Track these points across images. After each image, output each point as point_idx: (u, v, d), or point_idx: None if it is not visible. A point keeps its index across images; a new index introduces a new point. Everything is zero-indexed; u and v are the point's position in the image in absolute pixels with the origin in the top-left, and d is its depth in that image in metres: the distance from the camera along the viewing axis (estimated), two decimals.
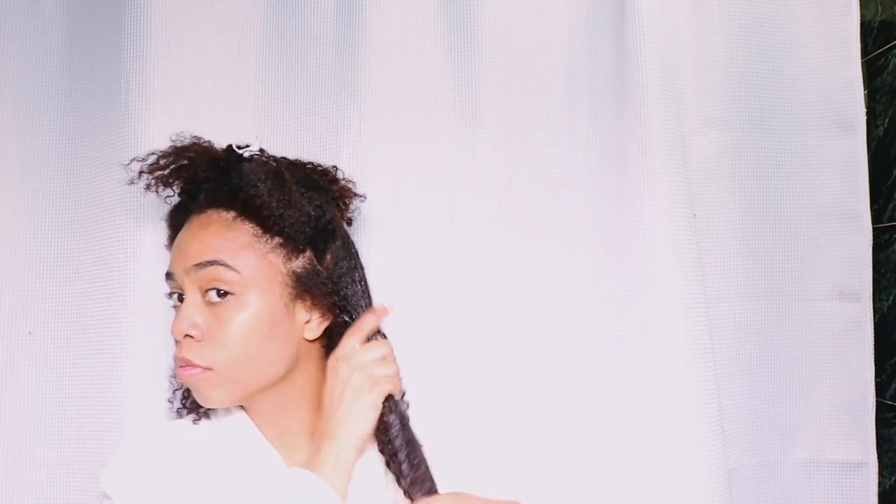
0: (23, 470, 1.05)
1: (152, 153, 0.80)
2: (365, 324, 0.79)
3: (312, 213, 0.79)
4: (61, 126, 1.09)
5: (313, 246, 0.79)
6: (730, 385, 1.04)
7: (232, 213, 0.77)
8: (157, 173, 0.79)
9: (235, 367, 0.74)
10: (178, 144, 0.80)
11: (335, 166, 0.88)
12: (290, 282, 0.77)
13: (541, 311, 1.04)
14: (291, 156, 0.87)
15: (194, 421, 0.82)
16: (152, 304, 1.00)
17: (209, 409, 0.82)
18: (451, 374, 1.00)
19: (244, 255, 0.75)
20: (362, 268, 0.84)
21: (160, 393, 0.99)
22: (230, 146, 0.81)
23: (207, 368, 0.74)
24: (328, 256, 0.79)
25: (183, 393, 0.86)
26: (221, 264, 0.74)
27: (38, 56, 1.10)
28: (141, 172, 0.79)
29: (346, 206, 0.89)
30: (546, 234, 1.05)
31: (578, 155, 1.06)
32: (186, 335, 0.74)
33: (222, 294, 0.74)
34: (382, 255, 0.99)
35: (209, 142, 0.81)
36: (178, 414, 0.86)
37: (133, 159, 0.80)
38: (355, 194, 0.89)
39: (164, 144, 0.95)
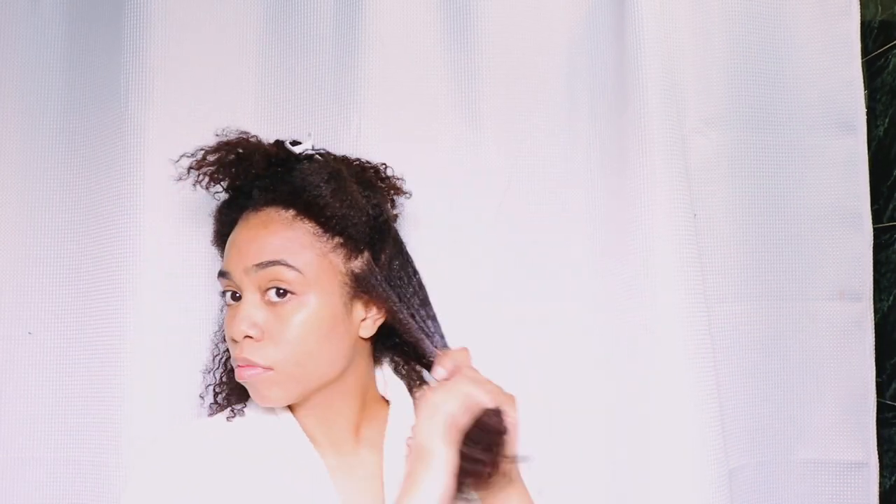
0: (23, 470, 1.04)
1: (201, 149, 0.78)
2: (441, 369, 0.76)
3: (371, 213, 0.78)
4: (61, 126, 1.09)
5: (371, 245, 0.78)
6: (730, 385, 1.04)
7: (291, 212, 0.76)
8: (207, 169, 0.78)
9: (296, 367, 0.74)
10: (225, 139, 0.78)
11: (384, 164, 0.88)
12: (349, 281, 0.77)
13: (540, 311, 1.04)
14: None
15: (228, 418, 0.81)
16: (152, 304, 1.00)
17: (244, 407, 0.82)
18: None
19: (305, 254, 0.74)
20: (413, 263, 0.83)
21: (160, 392, 0.99)
22: (280, 143, 0.80)
23: (269, 368, 0.73)
24: (383, 255, 0.79)
25: (214, 389, 0.85)
26: (283, 264, 0.73)
27: (38, 56, 1.10)
28: (190, 168, 0.78)
29: (394, 203, 0.89)
30: (546, 234, 1.05)
31: (578, 155, 1.07)
32: (246, 336, 0.74)
33: (282, 293, 0.74)
34: None
35: (256, 136, 0.80)
36: (210, 409, 0.85)
37: (182, 155, 0.79)
38: (402, 191, 0.89)
39: (164, 144, 0.96)
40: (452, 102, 1.06)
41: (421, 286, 0.82)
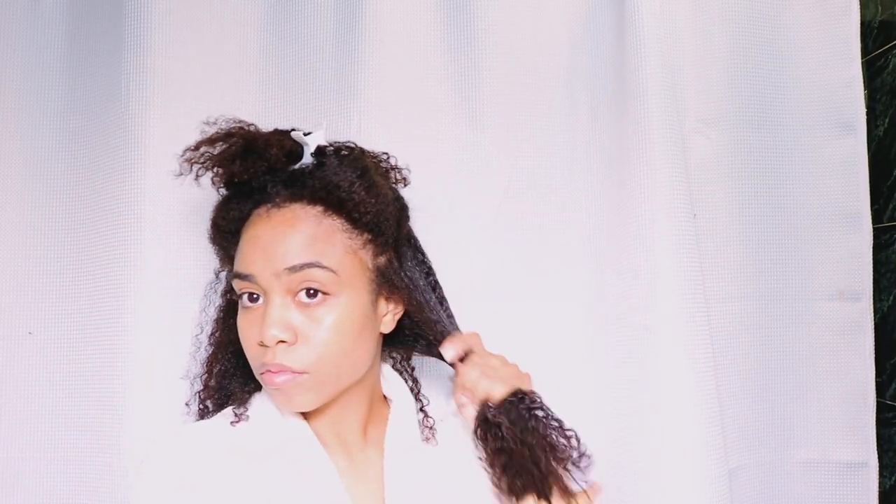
0: (23, 470, 1.05)
1: (202, 141, 0.73)
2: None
3: (397, 206, 0.77)
4: (62, 126, 1.09)
5: (396, 239, 0.77)
6: (730, 385, 1.04)
7: (319, 208, 0.72)
8: (210, 163, 0.72)
9: (331, 368, 0.72)
10: (225, 130, 0.73)
11: (386, 153, 0.85)
12: (375, 277, 0.75)
13: (539, 312, 1.05)
14: None
15: (232, 423, 0.77)
16: (152, 304, 1.00)
17: (246, 412, 0.78)
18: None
19: (337, 253, 0.72)
20: (422, 248, 0.83)
21: (160, 392, 0.99)
22: (286, 133, 0.76)
23: (303, 372, 0.70)
24: (403, 247, 0.79)
25: (200, 395, 0.82)
26: (318, 266, 0.70)
27: (39, 56, 1.10)
28: (193, 162, 0.73)
29: None
30: (546, 234, 1.06)
31: (579, 155, 1.07)
32: (280, 341, 0.70)
33: (312, 294, 0.71)
34: None
35: (254, 125, 0.76)
36: (198, 416, 0.82)
37: (186, 149, 0.73)
38: (406, 181, 0.87)
39: (164, 144, 0.94)
40: (453, 103, 1.06)
41: (432, 272, 0.82)
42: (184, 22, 1.06)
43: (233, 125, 0.74)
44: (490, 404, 0.74)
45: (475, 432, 0.76)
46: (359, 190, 0.72)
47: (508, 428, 0.72)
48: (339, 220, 0.73)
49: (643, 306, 0.97)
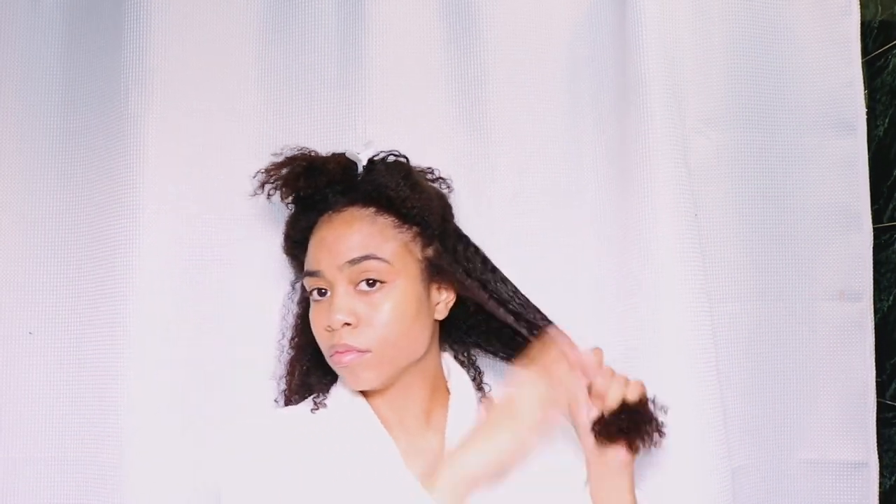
0: (23, 470, 1.05)
1: (272, 164, 0.88)
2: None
3: (441, 202, 0.90)
4: (61, 126, 1.09)
5: (441, 233, 0.87)
6: (731, 385, 1.04)
7: (372, 209, 0.84)
8: (278, 181, 0.87)
9: (391, 348, 0.82)
10: (290, 155, 0.88)
11: (430, 167, 0.95)
12: (425, 267, 0.85)
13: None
14: None
15: (312, 410, 0.88)
16: (151, 304, 1.00)
17: (326, 399, 0.88)
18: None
19: (391, 246, 0.83)
20: (477, 247, 0.91)
21: (160, 392, 0.99)
22: (342, 154, 0.89)
23: (367, 351, 0.81)
24: (449, 241, 0.88)
25: (285, 392, 0.94)
26: (375, 258, 0.81)
27: (38, 56, 1.10)
28: (264, 183, 0.88)
29: None
30: (549, 235, 1.06)
31: (583, 155, 1.07)
32: (345, 324, 0.81)
33: (371, 283, 0.82)
34: None
35: (315, 151, 0.89)
36: (285, 396, 0.94)
37: (258, 171, 0.88)
38: (450, 186, 0.97)
39: (163, 144, 0.95)
40: (456, 105, 1.07)
41: (493, 267, 0.90)
42: (183, 21, 1.05)
43: (296, 151, 0.89)
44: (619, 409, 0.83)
45: (597, 431, 0.84)
46: (404, 188, 0.84)
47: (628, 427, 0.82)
48: (390, 218, 0.84)
49: (645, 306, 0.97)
